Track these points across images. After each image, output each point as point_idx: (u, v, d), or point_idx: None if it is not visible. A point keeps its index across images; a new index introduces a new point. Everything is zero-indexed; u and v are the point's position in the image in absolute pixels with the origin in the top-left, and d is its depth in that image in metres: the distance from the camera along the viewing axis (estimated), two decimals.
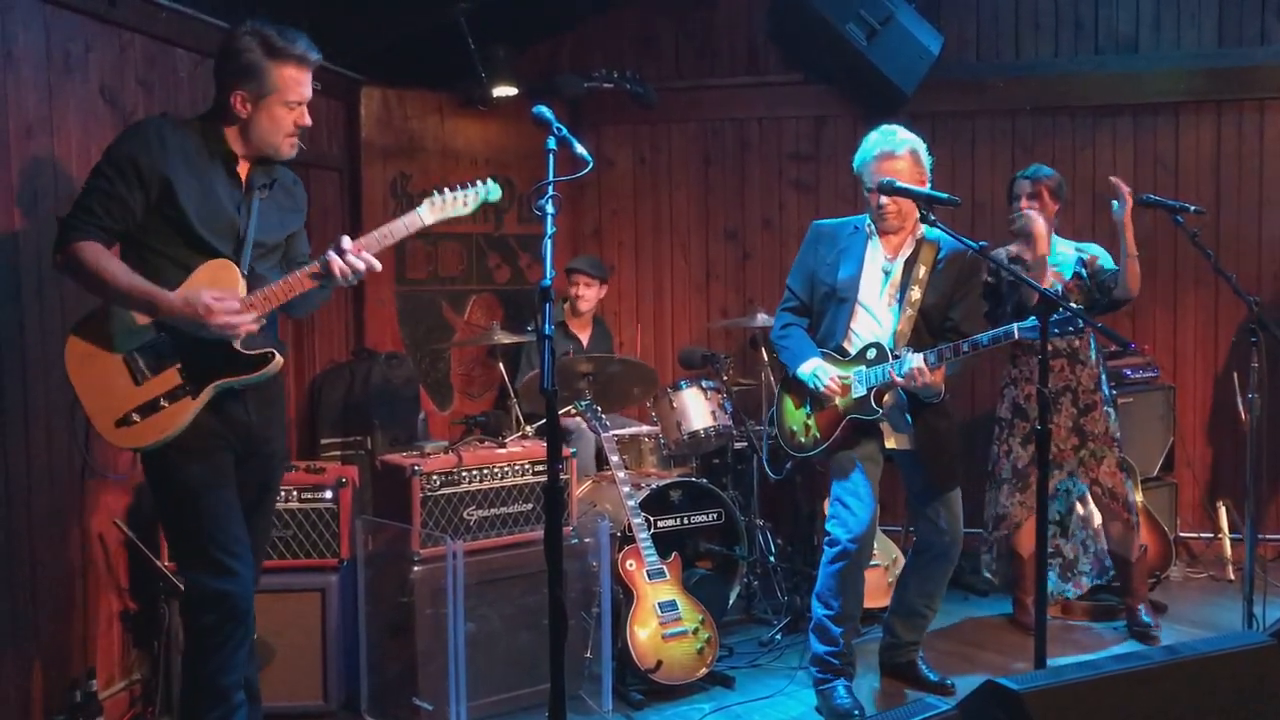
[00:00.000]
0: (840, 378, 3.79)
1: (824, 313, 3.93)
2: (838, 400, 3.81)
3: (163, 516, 3.05)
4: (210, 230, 2.91)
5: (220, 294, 2.85)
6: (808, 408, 3.94)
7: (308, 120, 3.01)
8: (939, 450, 3.87)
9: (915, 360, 3.61)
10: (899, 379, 3.66)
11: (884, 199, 3.74)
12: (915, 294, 3.77)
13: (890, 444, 3.90)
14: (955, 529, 3.92)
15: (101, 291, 2.82)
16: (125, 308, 2.85)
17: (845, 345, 3.86)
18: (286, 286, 2.98)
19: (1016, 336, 3.51)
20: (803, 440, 3.95)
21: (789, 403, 4.02)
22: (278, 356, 2.98)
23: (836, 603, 3.86)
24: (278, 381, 3.11)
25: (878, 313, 3.84)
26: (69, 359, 2.86)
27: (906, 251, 3.84)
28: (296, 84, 2.94)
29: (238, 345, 2.91)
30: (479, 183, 3.21)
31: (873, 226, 3.88)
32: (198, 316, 2.81)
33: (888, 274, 3.84)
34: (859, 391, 3.77)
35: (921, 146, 3.81)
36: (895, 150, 3.75)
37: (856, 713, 3.78)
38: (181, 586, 3.23)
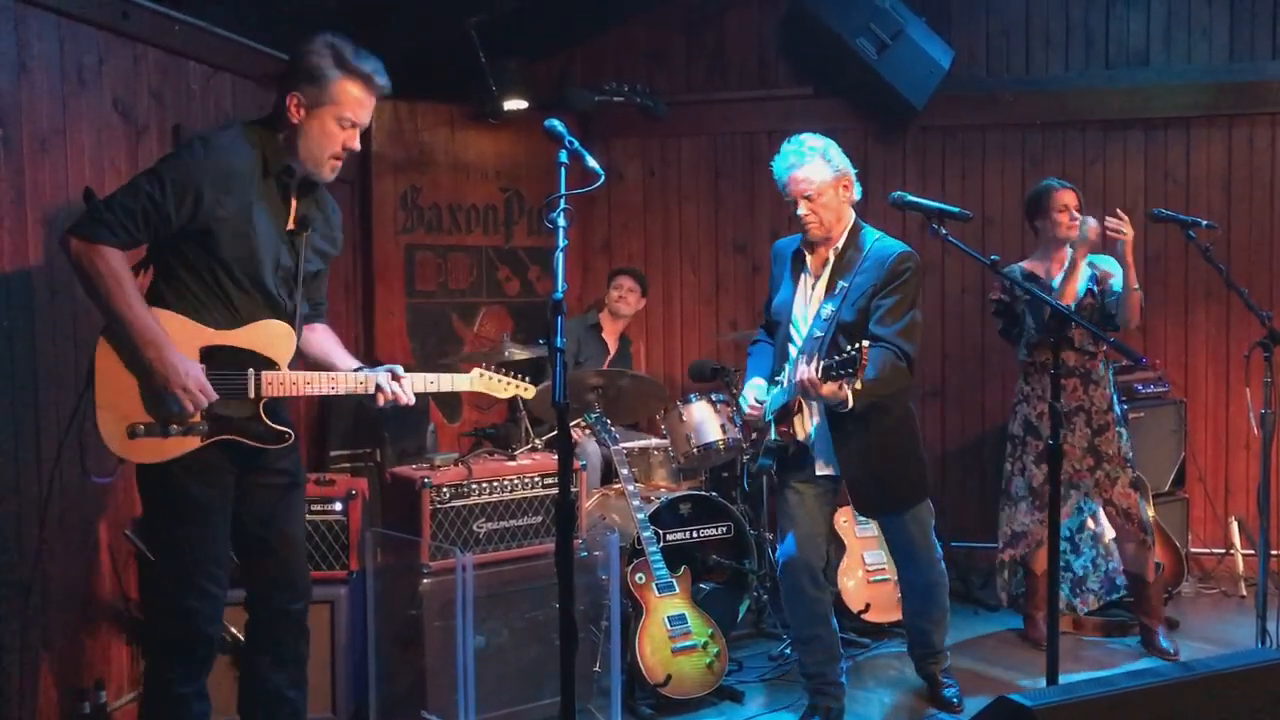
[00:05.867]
0: (760, 402, 3.72)
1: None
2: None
3: (151, 528, 3.00)
4: (258, 272, 2.91)
5: (205, 385, 2.81)
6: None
7: (357, 145, 2.98)
8: (867, 474, 3.68)
9: (802, 368, 3.39)
10: (799, 392, 3.48)
11: (801, 205, 3.61)
12: (828, 310, 3.60)
13: (821, 471, 3.74)
14: (913, 548, 3.90)
15: (104, 301, 2.74)
16: (122, 332, 2.77)
17: (782, 366, 3.75)
18: (331, 383, 3.07)
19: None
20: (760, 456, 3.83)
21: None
22: (293, 438, 3.02)
23: (791, 626, 3.91)
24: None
25: (802, 333, 3.71)
26: (100, 359, 2.80)
27: (828, 265, 3.69)
28: (357, 103, 2.93)
29: (264, 416, 2.94)
30: (523, 380, 3.40)
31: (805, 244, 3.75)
32: (176, 380, 2.76)
33: (813, 290, 3.72)
34: (768, 416, 3.71)
35: (833, 147, 3.64)
36: (802, 160, 3.60)
37: None
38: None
